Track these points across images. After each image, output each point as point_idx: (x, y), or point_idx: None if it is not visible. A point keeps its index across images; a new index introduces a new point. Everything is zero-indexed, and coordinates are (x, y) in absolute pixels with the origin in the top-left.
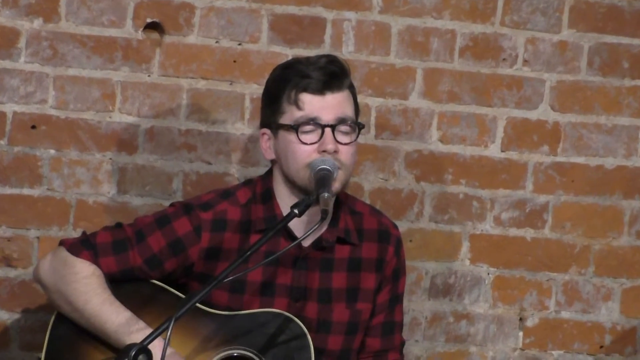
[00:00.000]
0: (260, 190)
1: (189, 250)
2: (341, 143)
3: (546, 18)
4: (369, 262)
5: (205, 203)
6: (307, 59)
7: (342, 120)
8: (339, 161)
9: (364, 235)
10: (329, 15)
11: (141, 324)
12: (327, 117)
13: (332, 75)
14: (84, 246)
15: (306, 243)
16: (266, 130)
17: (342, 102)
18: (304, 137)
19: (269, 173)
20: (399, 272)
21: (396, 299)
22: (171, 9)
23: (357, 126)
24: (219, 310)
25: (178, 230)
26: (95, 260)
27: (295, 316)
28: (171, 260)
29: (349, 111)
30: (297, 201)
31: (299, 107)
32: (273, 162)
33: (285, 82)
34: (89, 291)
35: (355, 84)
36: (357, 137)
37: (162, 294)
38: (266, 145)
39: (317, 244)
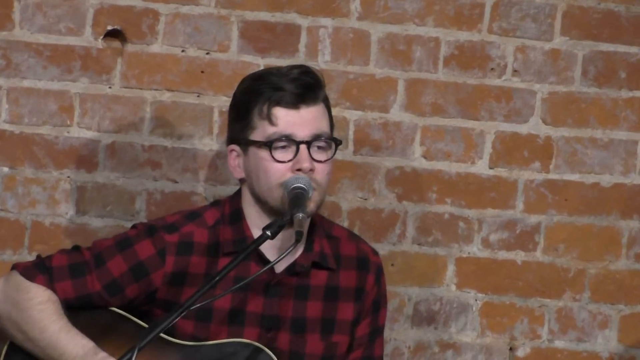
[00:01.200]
0: (229, 211)
1: (152, 275)
2: (317, 160)
3: (537, 25)
4: (347, 291)
5: (170, 225)
6: (279, 69)
7: (317, 137)
8: (314, 181)
9: (341, 261)
10: (304, 22)
11: (101, 354)
12: (302, 133)
13: (306, 87)
14: (38, 270)
15: (279, 268)
16: (235, 147)
17: (318, 117)
18: (277, 155)
19: (238, 193)
20: (379, 303)
21: (376, 332)
22: (133, 15)
23: (334, 142)
24: (184, 340)
25: (140, 253)
26: (50, 284)
27: (266, 347)
28: (133, 286)
29: (324, 126)
30: (269, 222)
31: (271, 123)
32: (242, 181)
33: (256, 94)
34: (44, 318)
35: (332, 95)
36: (334, 154)
37: (123, 322)
38: (235, 163)
39: (291, 270)
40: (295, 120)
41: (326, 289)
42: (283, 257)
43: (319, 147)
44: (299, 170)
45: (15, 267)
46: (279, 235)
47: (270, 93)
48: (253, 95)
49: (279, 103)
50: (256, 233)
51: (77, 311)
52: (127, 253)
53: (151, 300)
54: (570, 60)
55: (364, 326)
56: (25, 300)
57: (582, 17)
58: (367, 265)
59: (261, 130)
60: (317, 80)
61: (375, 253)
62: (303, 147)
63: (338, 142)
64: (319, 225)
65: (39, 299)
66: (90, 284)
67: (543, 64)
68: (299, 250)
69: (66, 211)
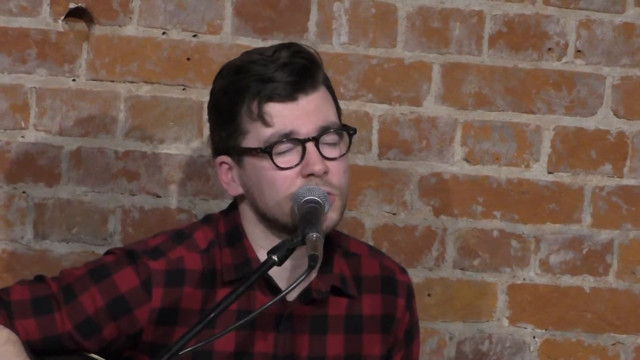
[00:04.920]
0: (225, 229)
1: (135, 311)
2: (329, 158)
3: None
4: (372, 321)
5: (154, 249)
6: (261, 53)
7: (325, 129)
8: (330, 185)
9: (363, 284)
10: None
11: None
12: (306, 128)
13: (301, 72)
14: None
15: (291, 296)
16: (225, 159)
17: (321, 105)
18: (280, 161)
19: (233, 208)
20: (413, 332)
21: None
22: None
23: (347, 132)
24: None
25: (121, 285)
26: (9, 322)
27: None
28: (111, 325)
29: (331, 115)
30: (275, 245)
31: (266, 123)
32: (239, 198)
33: (240, 91)
34: None
35: (351, 86)
36: (349, 147)
37: None
38: (228, 177)
39: (306, 297)
40: (294, 115)
41: (347, 319)
42: (295, 286)
43: (329, 143)
44: (310, 175)
45: None
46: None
47: (257, 87)
48: (236, 93)
49: (271, 98)
50: (262, 256)
51: (44, 357)
52: (104, 284)
53: (135, 343)
54: None
55: None
56: None
57: None
58: (395, 286)
59: (255, 135)
60: (312, 60)
61: (403, 271)
62: (310, 145)
63: (351, 131)
64: (335, 241)
65: None
66: (59, 323)
67: (613, 42)
68: (315, 272)
69: (22, 235)
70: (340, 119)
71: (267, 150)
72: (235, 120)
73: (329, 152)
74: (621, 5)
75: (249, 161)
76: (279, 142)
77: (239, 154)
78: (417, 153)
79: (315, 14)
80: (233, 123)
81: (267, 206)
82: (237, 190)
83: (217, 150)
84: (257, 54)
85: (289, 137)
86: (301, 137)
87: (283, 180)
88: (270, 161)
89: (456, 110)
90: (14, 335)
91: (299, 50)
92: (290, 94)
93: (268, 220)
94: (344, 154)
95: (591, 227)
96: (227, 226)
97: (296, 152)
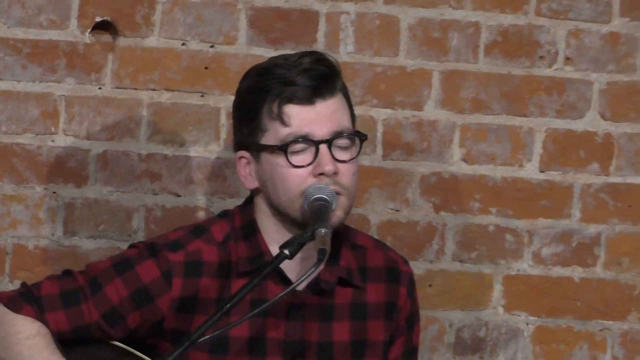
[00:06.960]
0: (240, 223)
1: (157, 300)
2: (340, 161)
3: (592, 5)
4: (376, 308)
5: (174, 242)
6: (286, 59)
7: (338, 134)
8: (339, 185)
9: (368, 274)
10: (322, 7)
11: None
12: (321, 131)
13: (321, 78)
14: (25, 300)
15: (301, 287)
16: (244, 153)
17: (337, 110)
18: (294, 159)
19: (249, 202)
20: (413, 318)
21: (412, 353)
22: (126, 4)
23: (358, 137)
24: None
25: (143, 276)
26: (40, 316)
27: None
28: (135, 314)
29: (345, 120)
30: (287, 239)
31: (284, 123)
32: (255, 191)
33: (263, 92)
34: (34, 355)
35: (357, 92)
36: (359, 151)
37: (126, 358)
38: (245, 171)
39: (315, 287)
40: (311, 118)
41: (352, 306)
42: (305, 278)
43: (341, 146)
44: (321, 174)
45: None
46: (300, 250)
47: (279, 89)
48: (260, 93)
49: (290, 100)
50: (274, 249)
51: (73, 346)
52: (127, 276)
53: (158, 331)
54: (632, 44)
55: (398, 346)
56: (11, 335)
57: None
58: (398, 276)
59: (273, 133)
60: (332, 68)
61: (406, 262)
62: (323, 147)
63: (363, 137)
64: (343, 235)
65: (27, 333)
66: (86, 314)
67: (600, 49)
68: (322, 264)
69: (52, 232)
70: (354, 125)
71: (283, 149)
72: (257, 118)
73: (340, 154)
74: (607, 16)
75: (265, 157)
76: (294, 141)
77: (257, 150)
78: (418, 154)
79: (323, 25)
80: (254, 121)
81: (280, 200)
82: (253, 183)
83: (238, 145)
84: (282, 59)
85: (305, 138)
86: (316, 138)
87: (295, 178)
88: (285, 159)
89: (455, 114)
90: (44, 328)
91: (321, 58)
92: (309, 98)
93: (280, 214)
94: (354, 158)
95: (580, 221)
96: (243, 220)
97: (310, 153)
